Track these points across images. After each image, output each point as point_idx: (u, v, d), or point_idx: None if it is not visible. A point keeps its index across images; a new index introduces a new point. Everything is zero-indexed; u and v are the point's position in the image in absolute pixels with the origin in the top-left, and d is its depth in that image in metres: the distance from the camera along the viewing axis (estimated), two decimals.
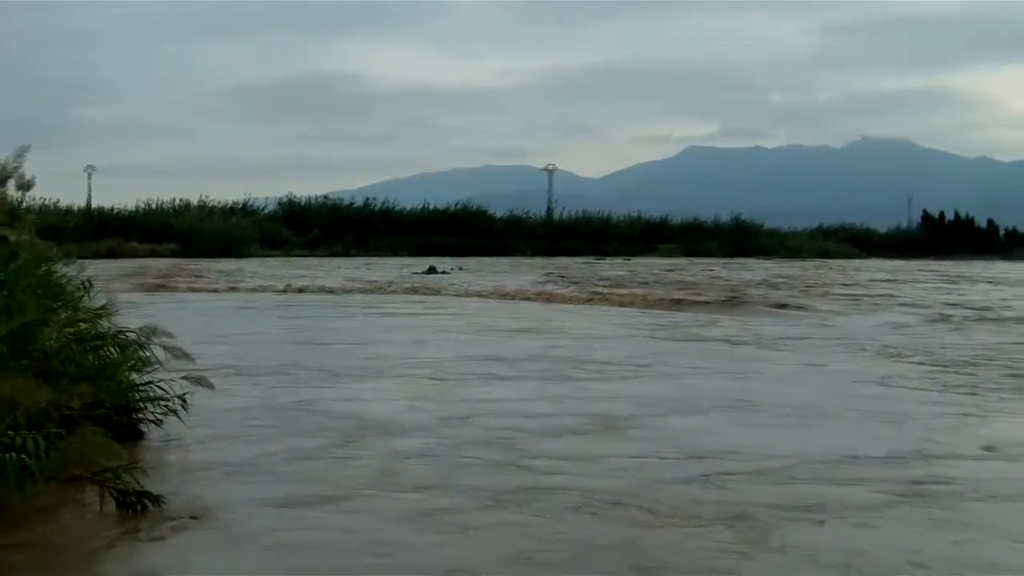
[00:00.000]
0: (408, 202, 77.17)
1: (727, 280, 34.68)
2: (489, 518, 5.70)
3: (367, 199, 75.10)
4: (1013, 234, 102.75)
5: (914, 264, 63.34)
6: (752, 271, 44.05)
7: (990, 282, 38.31)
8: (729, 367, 12.97)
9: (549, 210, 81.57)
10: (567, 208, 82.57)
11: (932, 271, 50.32)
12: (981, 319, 20.75)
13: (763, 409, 9.65)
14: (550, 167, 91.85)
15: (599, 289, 27.96)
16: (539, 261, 53.30)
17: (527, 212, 79.29)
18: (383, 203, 74.58)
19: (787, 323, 19.68)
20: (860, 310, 22.76)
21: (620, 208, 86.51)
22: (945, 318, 20.86)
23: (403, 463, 7.03)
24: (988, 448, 7.84)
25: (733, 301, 24.53)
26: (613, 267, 45.26)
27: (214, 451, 7.32)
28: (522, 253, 65.43)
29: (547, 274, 36.28)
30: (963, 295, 29.32)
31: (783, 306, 23.13)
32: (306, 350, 14.36)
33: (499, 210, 78.42)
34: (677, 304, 23.51)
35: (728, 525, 5.59)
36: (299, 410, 9.03)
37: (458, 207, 76.14)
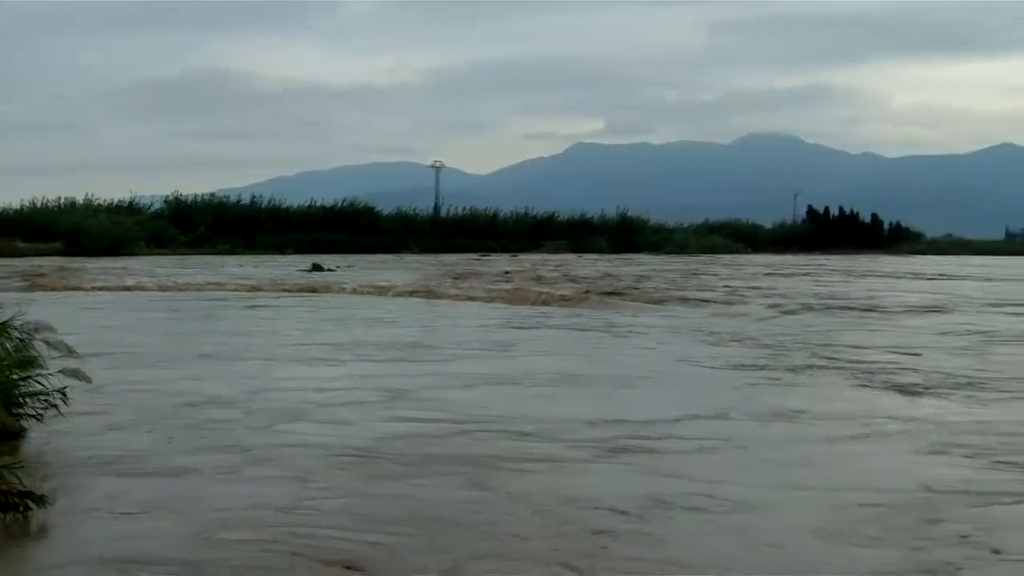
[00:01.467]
0: (295, 200, 76.57)
1: (602, 274, 34.90)
2: (247, 473, 6.46)
3: (254, 197, 74.21)
4: (897, 228, 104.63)
5: (796, 259, 64.26)
6: (632, 266, 44.40)
7: (851, 274, 39.23)
8: (569, 350, 14.01)
9: (437, 207, 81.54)
10: (455, 205, 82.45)
11: (810, 265, 51.18)
12: (826, 308, 21.60)
13: (572, 383, 10.83)
14: (437, 164, 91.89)
15: (479, 285, 28.07)
16: (426, 258, 53.16)
17: (415, 209, 78.94)
18: (270, 201, 73.87)
19: (647, 314, 20.05)
20: (719, 302, 23.19)
21: (508, 205, 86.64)
22: (801, 308, 21.60)
23: (200, 431, 7.84)
24: (752, 414, 8.72)
25: (602, 295, 24.73)
26: (499, 263, 45.36)
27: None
28: (410, 250, 65.20)
29: (432, 271, 36.27)
30: (826, 287, 30.14)
31: (651, 301, 23.38)
32: (175, 343, 14.65)
33: (387, 208, 77.99)
34: (548, 298, 23.69)
35: (456, 473, 6.36)
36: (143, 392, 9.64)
37: (345, 204, 75.64)
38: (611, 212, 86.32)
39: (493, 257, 55.91)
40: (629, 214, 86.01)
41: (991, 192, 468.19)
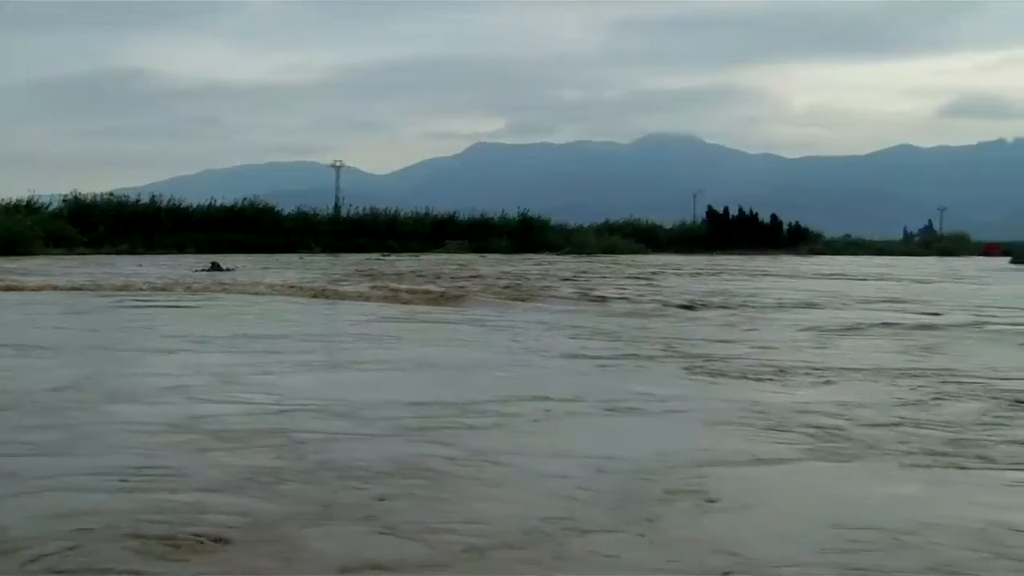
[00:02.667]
0: (195, 199, 75.71)
1: (498, 273, 34.98)
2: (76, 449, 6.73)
3: (153, 196, 73.20)
4: (796, 229, 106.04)
5: (694, 259, 64.84)
6: (528, 265, 44.74)
7: (743, 273, 39.67)
8: (432, 342, 14.29)
9: (337, 207, 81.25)
10: (355, 205, 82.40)
11: (706, 265, 51.72)
12: (703, 305, 21.82)
13: (417, 370, 11.19)
14: (337, 163, 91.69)
15: (373, 283, 28.03)
16: (326, 258, 52.97)
17: (315, 209, 78.60)
18: (170, 200, 72.97)
19: (526, 311, 20.21)
20: (601, 300, 23.30)
21: (408, 204, 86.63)
22: (676, 305, 21.81)
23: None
24: (542, 397, 9.07)
25: (491, 293, 24.83)
26: (399, 263, 45.29)
27: None
28: (310, 250, 64.89)
29: (328, 270, 36.07)
30: (712, 285, 30.55)
31: (534, 298, 23.52)
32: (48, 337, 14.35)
33: (287, 207, 77.57)
34: (432, 295, 23.78)
35: (268, 445, 6.83)
36: None
37: (245, 204, 75.02)
38: (512, 212, 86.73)
39: (393, 257, 55.79)
40: (530, 214, 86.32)
41: (889, 193, 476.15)
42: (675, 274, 38.48)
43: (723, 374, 11.15)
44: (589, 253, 69.66)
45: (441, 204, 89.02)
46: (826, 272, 44.88)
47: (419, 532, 4.79)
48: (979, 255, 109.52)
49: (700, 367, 11.67)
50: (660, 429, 7.97)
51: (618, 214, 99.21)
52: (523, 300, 23.02)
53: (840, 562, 4.48)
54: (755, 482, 6.14)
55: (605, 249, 74.82)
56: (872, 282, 36.02)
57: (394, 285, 27.38)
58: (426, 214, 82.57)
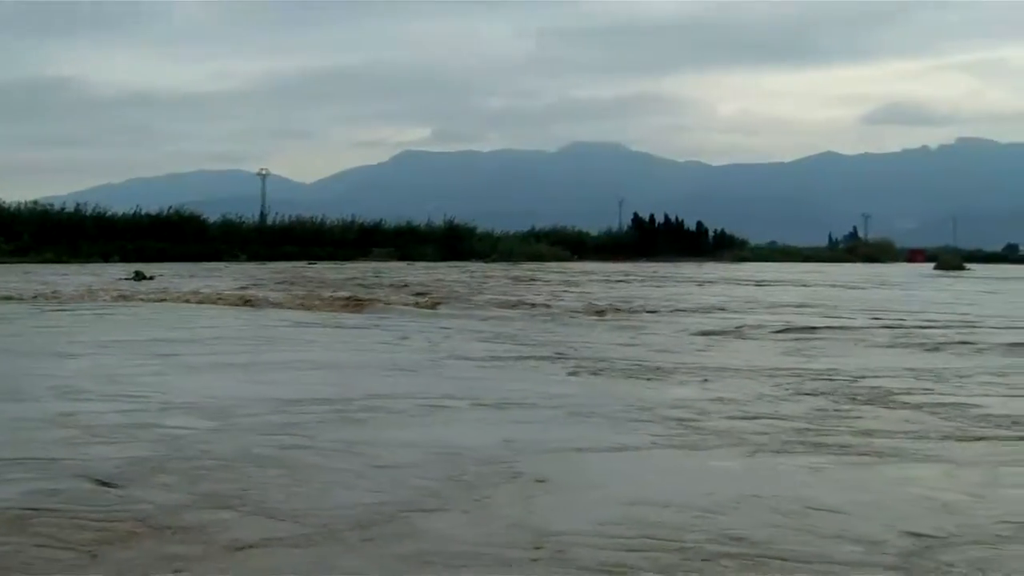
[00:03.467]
0: (121, 207, 75.19)
1: (419, 281, 35.34)
2: None
3: (78, 204, 72.59)
4: (722, 236, 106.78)
5: (620, 266, 65.44)
6: (453, 272, 45.10)
7: (666, 279, 40.36)
8: (339, 347, 14.90)
9: (263, 215, 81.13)
10: (281, 213, 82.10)
11: (631, 271, 52.33)
12: (613, 309, 22.74)
13: (314, 370, 11.97)
14: (264, 172, 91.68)
15: (295, 291, 28.40)
16: (253, 266, 53.05)
17: (241, 217, 78.23)
18: (95, 208, 72.60)
19: (427, 318, 20.89)
20: (519, 306, 23.98)
21: (335, 212, 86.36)
22: (588, 309, 22.79)
23: None
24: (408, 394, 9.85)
25: (407, 300, 25.37)
26: (324, 271, 45.59)
27: None
28: (236, 258, 64.74)
29: (253, 278, 36.20)
30: (631, 291, 31.47)
31: (451, 304, 24.12)
32: None
33: (213, 215, 77.04)
34: (348, 302, 24.15)
35: (130, 438, 7.47)
36: None
37: (171, 212, 74.56)
38: (438, 220, 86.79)
39: (319, 265, 55.94)
40: (456, 222, 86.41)
41: (814, 200, 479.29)
42: (594, 280, 38.99)
43: (606, 373, 11.95)
44: (516, 260, 69.84)
45: (368, 212, 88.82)
46: (746, 278, 45.60)
47: (280, 514, 5.37)
48: (904, 261, 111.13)
49: (586, 367, 12.38)
50: (520, 421, 8.69)
51: (545, 221, 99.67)
52: (433, 306, 23.57)
53: (638, 533, 5.08)
54: (594, 467, 6.91)
55: (532, 256, 75.12)
56: (791, 288, 36.86)
57: (312, 292, 27.69)
58: (352, 222, 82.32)
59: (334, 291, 28.43)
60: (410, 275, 41.74)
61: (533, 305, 24.45)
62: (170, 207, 75.60)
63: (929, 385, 11.12)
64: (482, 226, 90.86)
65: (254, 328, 18.23)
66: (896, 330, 18.29)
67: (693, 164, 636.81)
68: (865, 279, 49.03)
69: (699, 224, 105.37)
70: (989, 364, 13.36)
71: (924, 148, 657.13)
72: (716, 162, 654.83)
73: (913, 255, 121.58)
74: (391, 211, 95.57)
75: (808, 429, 8.32)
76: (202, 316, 20.84)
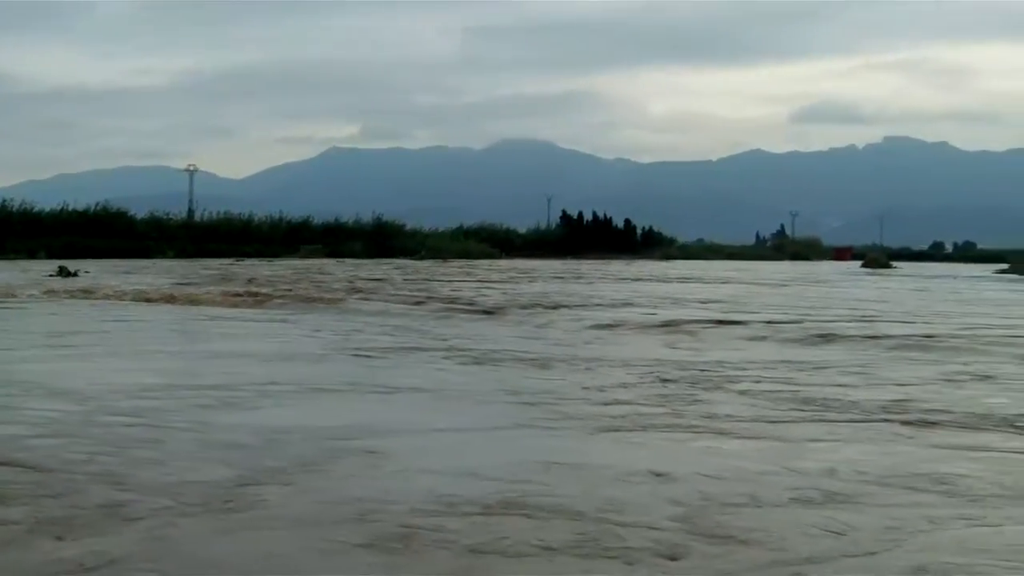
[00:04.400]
0: (47, 204, 74.64)
1: (339, 279, 35.41)
2: None
3: (4, 200, 71.99)
4: (650, 233, 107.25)
5: (547, 263, 65.69)
6: (372, 269, 45.31)
7: (590, 276, 40.65)
8: (221, 337, 15.82)
9: (190, 212, 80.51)
10: (209, 210, 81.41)
11: (555, 269, 52.63)
12: (525, 307, 23.04)
13: (176, 360, 12.81)
14: (191, 168, 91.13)
15: (213, 288, 28.41)
16: (180, 263, 52.81)
17: (168, 214, 77.70)
18: (21, 204, 71.98)
19: (329, 313, 21.49)
20: (412, 301, 24.48)
21: (263, 209, 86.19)
22: (493, 307, 23.05)
23: None
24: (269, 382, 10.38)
25: (313, 297, 25.66)
26: (252, 268, 45.41)
27: None
28: (164, 255, 64.39)
29: (178, 275, 36.12)
30: (550, 287, 32.05)
31: (339, 300, 24.61)
32: None
33: (140, 212, 76.60)
34: (262, 298, 24.72)
35: None
36: None
37: (99, 208, 74.09)
38: (367, 217, 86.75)
39: (247, 262, 55.76)
40: (385, 219, 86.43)
41: (742, 198, 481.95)
42: (516, 278, 39.36)
43: (491, 363, 12.66)
44: (444, 258, 69.92)
45: (296, 209, 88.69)
46: (670, 276, 46.03)
47: (129, 486, 5.85)
48: (831, 259, 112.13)
49: (476, 358, 13.09)
50: (389, 404, 9.45)
51: (473, 219, 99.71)
52: (336, 302, 24.13)
53: (435, 500, 5.66)
54: (431, 444, 7.57)
55: (460, 254, 75.11)
56: (712, 285, 37.17)
57: (233, 288, 27.94)
58: (280, 219, 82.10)
59: (250, 287, 28.56)
60: (333, 272, 41.78)
61: (448, 301, 24.91)
62: (97, 203, 74.96)
63: (788, 375, 11.81)
64: (411, 223, 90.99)
65: (167, 322, 18.87)
66: (792, 325, 18.88)
67: (622, 162, 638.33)
68: (792, 277, 49.55)
69: (627, 222, 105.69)
70: (863, 357, 13.99)
71: (851, 147, 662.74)
72: (645, 160, 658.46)
73: (840, 253, 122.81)
74: (320, 208, 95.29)
75: (651, 412, 9.01)
76: (119, 311, 21.14)
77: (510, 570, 4.57)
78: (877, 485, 6.38)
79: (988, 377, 11.87)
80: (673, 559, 4.77)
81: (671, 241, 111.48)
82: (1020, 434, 8.28)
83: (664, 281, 39.76)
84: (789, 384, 11.04)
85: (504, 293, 28.53)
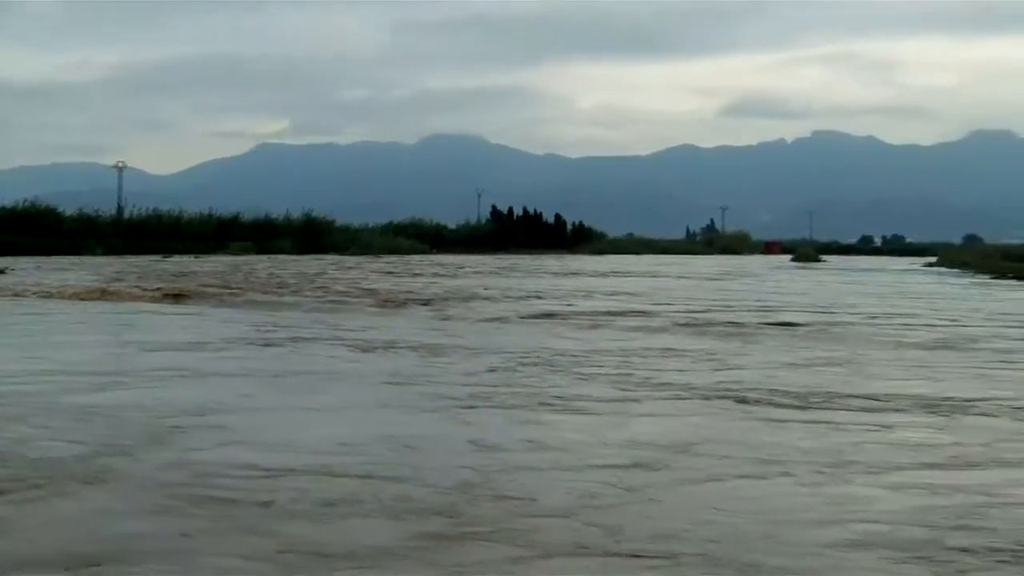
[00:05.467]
0: None
1: (267, 274, 35.88)
2: None
3: None
4: (580, 228, 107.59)
5: (479, 258, 65.95)
6: (300, 266, 45.72)
7: (516, 271, 41.12)
8: (124, 330, 17.20)
9: (120, 208, 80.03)
10: (138, 206, 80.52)
11: (483, 264, 52.98)
12: (426, 302, 23.87)
13: (86, 349, 13.74)
14: (120, 164, 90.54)
15: (133, 285, 28.64)
16: (108, 260, 52.67)
17: (97, 210, 76.92)
18: None
19: (240, 308, 22.08)
20: (316, 297, 25.08)
21: (192, 206, 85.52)
22: (393, 302, 23.73)
23: None
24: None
25: (228, 293, 26.34)
26: (179, 264, 45.48)
27: None
28: (93, 252, 63.95)
29: (108, 273, 36.14)
30: (454, 283, 32.84)
31: (240, 294, 25.47)
32: None
33: (69, 208, 75.88)
34: (175, 293, 25.26)
35: None
36: None
37: (27, 205, 73.51)
38: (297, 213, 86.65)
39: (177, 259, 55.64)
40: (315, 215, 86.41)
41: (672, 192, 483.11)
42: (438, 273, 40.31)
43: (381, 350, 13.87)
44: (375, 253, 69.96)
45: (226, 205, 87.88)
46: (596, 270, 46.60)
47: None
48: (760, 253, 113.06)
49: (374, 347, 14.23)
50: (245, 388, 10.41)
51: (403, 214, 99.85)
52: (257, 297, 24.88)
53: (268, 467, 6.76)
54: (285, 420, 8.65)
55: (390, 249, 75.04)
56: (638, 279, 37.78)
57: (153, 285, 28.32)
58: (210, 215, 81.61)
59: (181, 283, 28.88)
60: (263, 268, 42.09)
61: (366, 294, 25.88)
62: (25, 200, 74.33)
63: (651, 361, 12.94)
64: (341, 219, 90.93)
65: (84, 317, 19.38)
66: (684, 315, 20.17)
67: (552, 157, 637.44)
68: (722, 271, 50.24)
69: (558, 217, 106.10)
70: (731, 345, 15.14)
71: (780, 141, 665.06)
72: (574, 154, 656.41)
73: (770, 247, 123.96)
74: (250, 204, 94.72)
75: (504, 392, 10.13)
76: (40, 307, 21.61)
77: (296, 528, 5.44)
78: (678, 452, 7.44)
79: (846, 362, 13.04)
80: (451, 516, 5.67)
81: (602, 236, 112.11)
82: (838, 409, 9.39)
83: (587, 275, 40.40)
84: (648, 369, 12.02)
85: (424, 287, 29.18)
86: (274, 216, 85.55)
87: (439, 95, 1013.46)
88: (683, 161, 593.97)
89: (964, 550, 5.20)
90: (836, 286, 35.80)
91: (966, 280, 43.22)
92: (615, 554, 5.09)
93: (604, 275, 41.17)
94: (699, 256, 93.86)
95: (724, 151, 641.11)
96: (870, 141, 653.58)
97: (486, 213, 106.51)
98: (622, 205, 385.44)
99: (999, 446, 7.88)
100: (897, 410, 9.38)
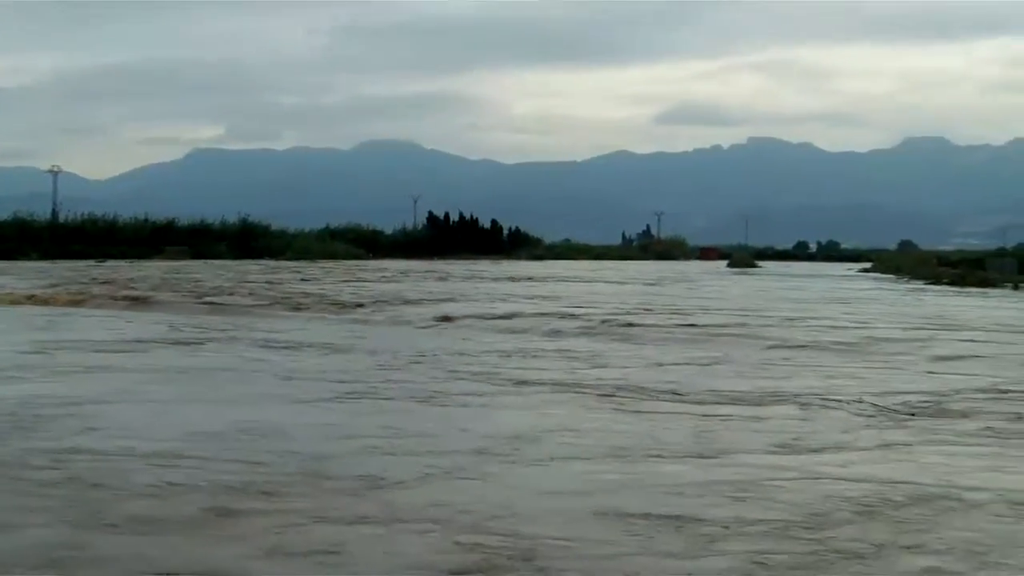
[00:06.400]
0: None
1: (193, 281, 35.90)
2: None
3: None
4: (516, 234, 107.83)
5: (414, 264, 66.09)
6: (228, 271, 45.59)
7: (451, 277, 41.32)
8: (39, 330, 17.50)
9: (54, 213, 79.66)
10: (74, 211, 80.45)
11: (417, 270, 53.22)
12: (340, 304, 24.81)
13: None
14: (55, 169, 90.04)
15: (55, 289, 28.75)
16: (43, 265, 52.39)
17: (32, 215, 76.51)
18: None
19: (172, 310, 22.89)
20: (241, 301, 25.82)
21: (128, 211, 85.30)
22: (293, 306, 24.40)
23: None
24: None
25: (160, 296, 27.01)
26: (114, 270, 45.34)
27: None
28: (27, 257, 63.68)
29: (41, 277, 36.06)
30: (377, 288, 33.18)
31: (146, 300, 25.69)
32: None
33: (2, 213, 75.52)
34: (109, 298, 25.67)
35: None
36: None
37: None
38: (232, 218, 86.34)
39: (112, 264, 55.46)
40: (251, 220, 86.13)
41: (608, 198, 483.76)
42: (369, 279, 40.75)
43: (287, 349, 14.80)
44: (311, 259, 69.95)
45: (163, 211, 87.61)
46: (525, 275, 46.89)
47: None
48: (696, 259, 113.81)
49: (265, 344, 15.38)
50: (129, 384, 11.11)
51: (340, 219, 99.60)
52: (185, 300, 25.60)
53: (127, 450, 7.61)
54: (152, 412, 9.47)
55: (326, 255, 75.05)
56: (569, 284, 38.12)
57: (84, 288, 28.93)
58: (145, 221, 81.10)
59: (113, 287, 29.15)
60: (196, 273, 42.12)
61: (288, 296, 26.80)
62: None
63: (529, 360, 13.92)
64: (277, 224, 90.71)
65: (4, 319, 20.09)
66: (598, 317, 20.97)
67: (488, 163, 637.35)
68: (659, 277, 50.65)
69: (494, 223, 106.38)
70: (623, 346, 16.23)
71: (716, 147, 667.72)
72: (510, 161, 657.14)
73: (706, 253, 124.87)
74: (186, 209, 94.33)
75: (367, 388, 11.07)
76: None
77: (119, 502, 6.20)
78: (527, 440, 8.31)
79: (714, 363, 14.08)
80: (268, 493, 6.45)
81: (538, 241, 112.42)
82: (675, 401, 10.50)
83: (518, 281, 40.72)
84: (533, 368, 12.97)
85: (353, 292, 29.59)
86: (209, 222, 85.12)
87: (375, 101, 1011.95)
88: (619, 167, 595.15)
89: (725, 525, 5.90)
90: (770, 292, 36.29)
91: (901, 286, 43.92)
92: (398, 520, 5.89)
93: (534, 280, 41.47)
94: (635, 261, 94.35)
95: (660, 157, 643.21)
96: (806, 148, 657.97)
97: (422, 219, 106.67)
98: (558, 211, 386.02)
99: (780, 435, 8.78)
100: (715, 403, 10.42)
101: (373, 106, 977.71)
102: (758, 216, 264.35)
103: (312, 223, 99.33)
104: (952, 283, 44.09)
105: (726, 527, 5.83)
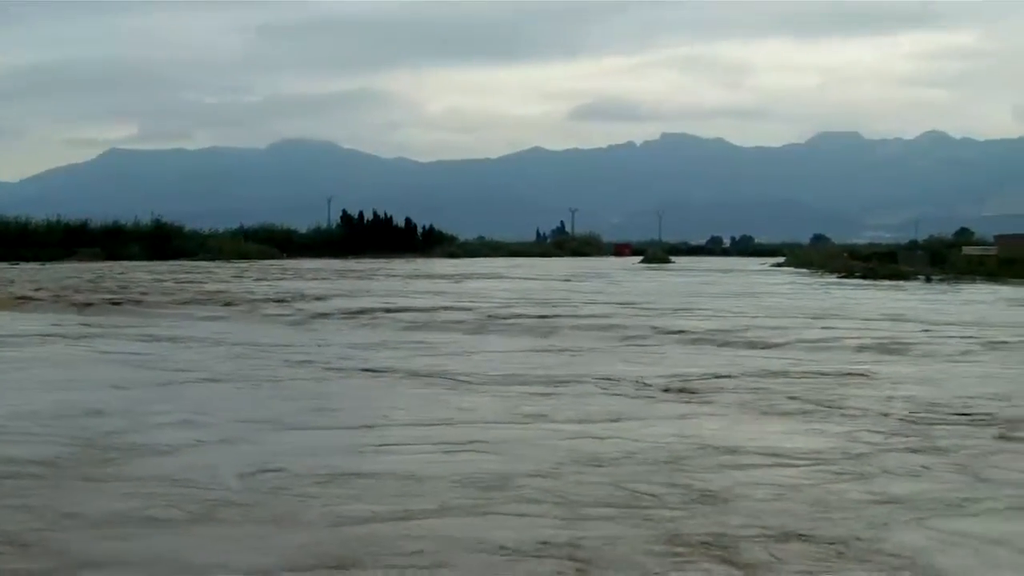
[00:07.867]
0: None
1: (94, 283, 36.01)
2: None
3: None
4: (431, 232, 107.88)
5: (327, 263, 66.18)
6: (139, 273, 45.53)
7: (363, 275, 41.70)
8: None
9: None
10: None
11: (328, 268, 53.43)
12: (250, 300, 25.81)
13: None
14: None
15: None
16: None
17: None
18: None
19: (75, 311, 23.44)
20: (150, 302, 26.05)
21: (40, 212, 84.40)
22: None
23: None
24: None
25: (70, 297, 27.28)
26: (18, 272, 45.09)
27: None
28: None
29: None
30: (285, 286, 33.86)
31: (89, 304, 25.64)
32: None
33: None
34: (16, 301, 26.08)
35: None
36: None
37: None
38: (146, 219, 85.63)
39: (23, 266, 55.07)
40: (164, 220, 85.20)
41: (521, 195, 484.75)
42: (279, 277, 41.45)
43: (181, 344, 15.81)
44: (225, 259, 69.84)
45: (75, 212, 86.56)
46: (439, 273, 47.28)
47: None
48: (611, 255, 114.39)
49: (159, 338, 16.61)
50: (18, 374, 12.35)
51: (254, 219, 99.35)
52: (90, 301, 25.94)
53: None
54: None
55: (240, 255, 74.93)
56: (484, 280, 38.51)
57: None
58: (58, 222, 79.85)
59: (20, 290, 29.38)
60: (108, 273, 42.08)
61: (201, 295, 27.73)
62: None
63: (409, 354, 14.72)
64: (191, 225, 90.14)
65: None
66: (475, 314, 21.69)
67: (402, 161, 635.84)
68: (572, 273, 51.13)
69: (408, 221, 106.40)
70: (488, 338, 17.44)
71: (630, 144, 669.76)
72: (425, 159, 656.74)
73: (620, 249, 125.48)
74: (100, 211, 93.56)
75: (221, 374, 12.25)
76: None
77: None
78: (354, 414, 9.58)
79: (558, 351, 15.14)
80: (51, 466, 7.45)
81: (452, 239, 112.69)
82: (523, 386, 11.46)
83: (432, 278, 41.03)
84: (392, 359, 13.98)
85: (264, 291, 30.08)
86: (123, 222, 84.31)
87: (291, 100, 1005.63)
88: (533, 164, 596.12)
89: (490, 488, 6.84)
90: (675, 286, 36.90)
91: (812, 280, 44.65)
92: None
93: (439, 278, 41.84)
94: (550, 259, 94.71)
95: (574, 154, 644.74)
96: (719, 143, 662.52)
97: (337, 218, 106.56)
98: (472, 208, 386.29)
99: (569, 411, 9.96)
100: (522, 384, 11.70)
101: (290, 105, 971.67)
102: (671, 212, 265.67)
103: (226, 223, 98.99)
104: (864, 276, 44.88)
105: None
